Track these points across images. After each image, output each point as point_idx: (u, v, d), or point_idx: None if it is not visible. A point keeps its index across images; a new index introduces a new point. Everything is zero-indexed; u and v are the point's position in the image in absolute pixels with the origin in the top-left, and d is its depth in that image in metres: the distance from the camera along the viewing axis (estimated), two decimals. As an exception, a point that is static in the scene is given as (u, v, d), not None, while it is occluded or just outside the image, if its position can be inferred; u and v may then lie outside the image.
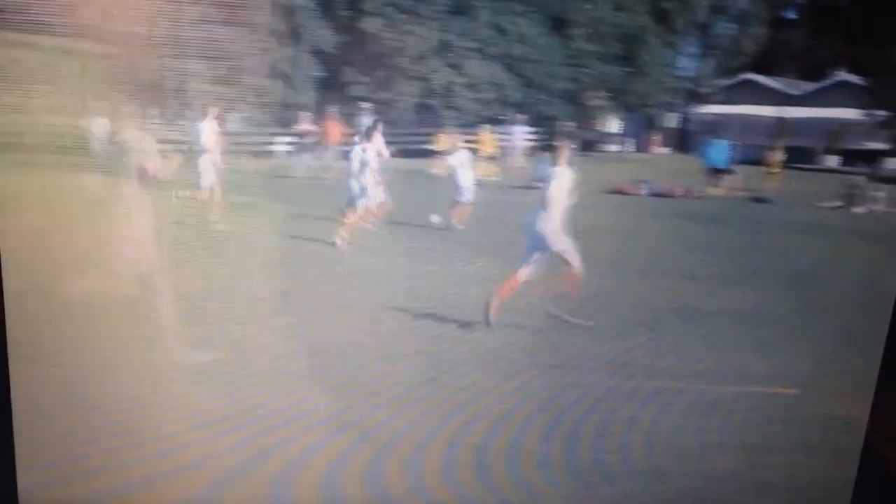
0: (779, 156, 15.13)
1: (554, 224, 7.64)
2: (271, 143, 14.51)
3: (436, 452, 5.90)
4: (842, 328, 8.46)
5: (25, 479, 4.42)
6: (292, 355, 7.12)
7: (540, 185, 7.89)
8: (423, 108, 16.21)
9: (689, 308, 8.49)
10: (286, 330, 7.73)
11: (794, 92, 18.15)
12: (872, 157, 16.64)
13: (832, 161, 17.91)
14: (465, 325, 7.83)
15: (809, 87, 17.92)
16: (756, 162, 15.43)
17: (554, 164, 7.86)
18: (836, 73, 17.49)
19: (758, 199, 14.71)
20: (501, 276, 7.97)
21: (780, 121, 17.21)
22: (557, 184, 7.55)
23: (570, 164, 7.89)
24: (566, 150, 7.74)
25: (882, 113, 16.52)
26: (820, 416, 6.56)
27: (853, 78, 16.83)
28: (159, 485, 5.37)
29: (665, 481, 5.80)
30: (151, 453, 5.63)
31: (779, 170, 15.30)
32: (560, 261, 7.98)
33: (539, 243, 7.70)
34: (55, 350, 6.47)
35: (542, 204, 7.60)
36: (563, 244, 7.67)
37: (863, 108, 16.33)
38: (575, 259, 7.89)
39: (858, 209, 14.92)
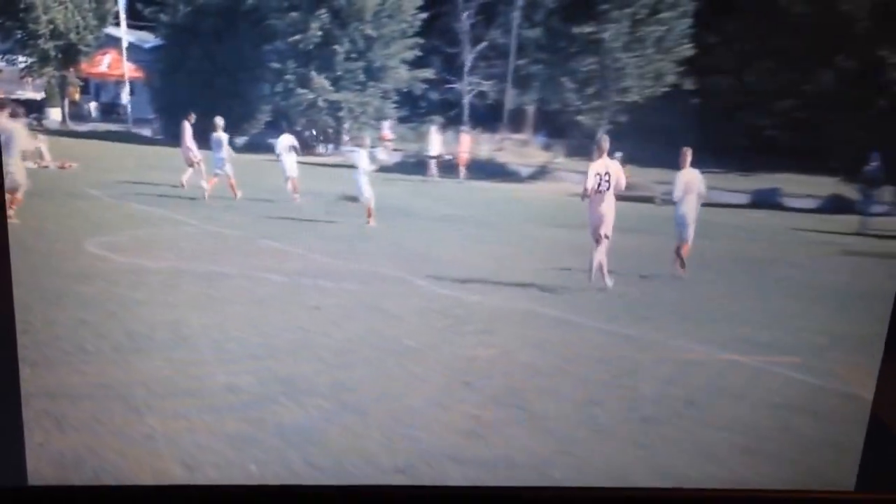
0: None
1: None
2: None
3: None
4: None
5: (34, 457, 5.03)
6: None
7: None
8: None
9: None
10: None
11: None
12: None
13: None
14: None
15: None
16: None
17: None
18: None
19: None
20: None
21: None
22: None
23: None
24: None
25: (21, 59, 15.59)
26: (827, 386, 7.85)
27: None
28: (164, 462, 6.10)
29: (671, 443, 6.63)
30: (157, 433, 6.51)
31: None
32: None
33: None
34: (63, 335, 8.15)
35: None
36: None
37: None
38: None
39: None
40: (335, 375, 7.78)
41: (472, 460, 6.20)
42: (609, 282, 11.51)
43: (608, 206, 11.64)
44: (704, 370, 8.47)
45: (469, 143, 18.69)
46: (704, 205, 13.16)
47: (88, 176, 15.86)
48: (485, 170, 19.08)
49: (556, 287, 11.38)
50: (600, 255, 11.55)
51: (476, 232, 15.04)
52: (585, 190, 11.65)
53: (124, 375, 7.50)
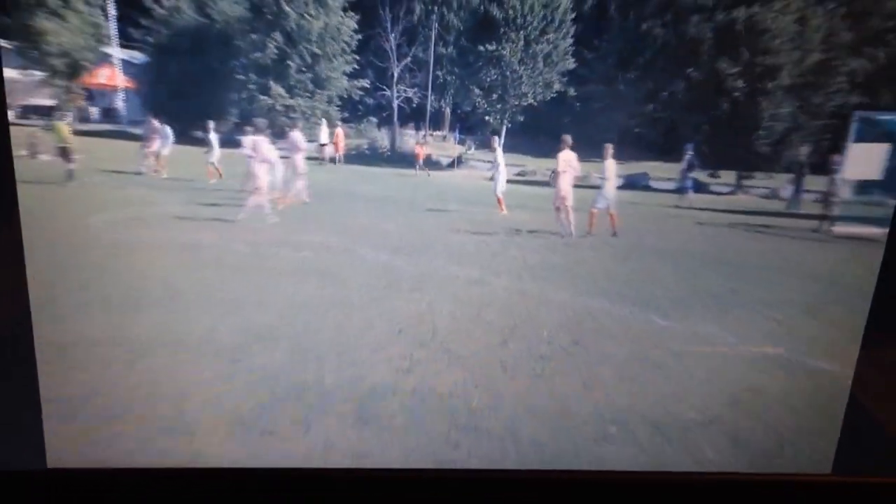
0: None
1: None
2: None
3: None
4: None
5: (53, 440, 4.05)
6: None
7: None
8: None
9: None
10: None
11: None
12: (47, 111, 16.31)
13: (9, 115, 17.39)
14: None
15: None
16: None
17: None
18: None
19: None
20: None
21: None
22: None
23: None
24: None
25: (37, 73, 16.44)
26: (808, 370, 7.24)
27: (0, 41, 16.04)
28: (161, 393, 5.99)
29: (561, 375, 6.64)
30: (154, 371, 6.40)
31: None
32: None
33: None
34: (78, 314, 7.58)
35: None
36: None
37: (17, 68, 15.37)
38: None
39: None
40: (294, 325, 7.78)
41: (406, 392, 6.23)
42: (574, 231, 13.30)
43: (568, 184, 13.34)
44: (586, 317, 8.55)
45: (342, 135, 18.85)
46: (585, 187, 13.60)
47: (91, 166, 15.68)
48: (412, 160, 19.31)
49: (471, 253, 11.47)
50: (565, 216, 13.29)
51: (406, 210, 15.04)
52: (555, 172, 13.56)
53: (122, 327, 7.48)
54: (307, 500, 3.14)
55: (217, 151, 15.96)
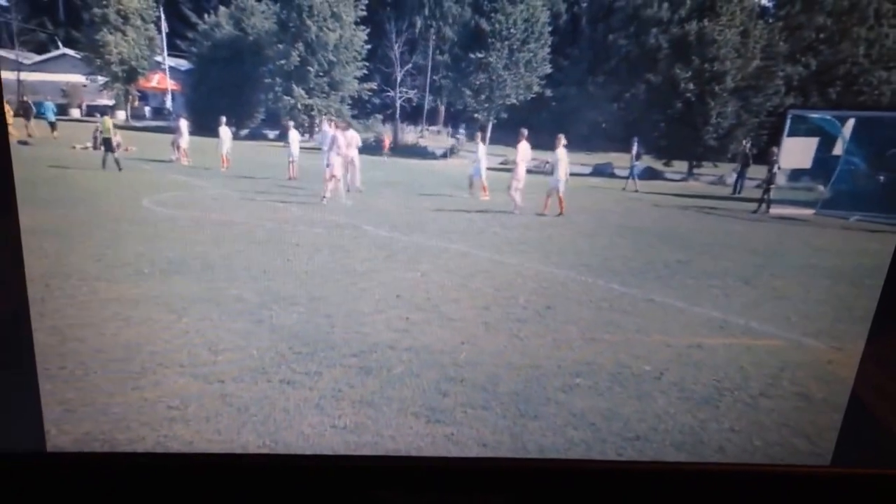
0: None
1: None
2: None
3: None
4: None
5: (52, 422, 3.90)
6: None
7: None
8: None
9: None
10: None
11: (26, 61, 17.36)
12: (105, 109, 16.41)
13: (77, 113, 17.70)
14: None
15: (37, 57, 17.06)
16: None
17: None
18: (58, 48, 16.78)
19: (21, 143, 14.69)
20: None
21: (19, 83, 16.46)
22: None
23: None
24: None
25: (100, 78, 16.77)
26: (746, 331, 7.10)
27: (71, 52, 16.71)
28: (195, 348, 5.84)
29: (535, 335, 6.65)
30: (191, 329, 6.29)
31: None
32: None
33: None
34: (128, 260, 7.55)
35: None
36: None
37: (84, 74, 16.57)
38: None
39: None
40: (309, 290, 7.77)
41: (403, 348, 6.23)
42: (520, 204, 13.41)
43: (522, 169, 13.57)
44: (556, 285, 8.53)
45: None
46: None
47: (143, 156, 16.13)
48: (412, 151, 19.45)
49: (460, 230, 11.45)
50: (516, 193, 13.49)
51: (404, 193, 15.00)
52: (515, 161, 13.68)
53: (167, 289, 7.52)
54: (305, 487, 2.72)
55: (228, 144, 16.09)
